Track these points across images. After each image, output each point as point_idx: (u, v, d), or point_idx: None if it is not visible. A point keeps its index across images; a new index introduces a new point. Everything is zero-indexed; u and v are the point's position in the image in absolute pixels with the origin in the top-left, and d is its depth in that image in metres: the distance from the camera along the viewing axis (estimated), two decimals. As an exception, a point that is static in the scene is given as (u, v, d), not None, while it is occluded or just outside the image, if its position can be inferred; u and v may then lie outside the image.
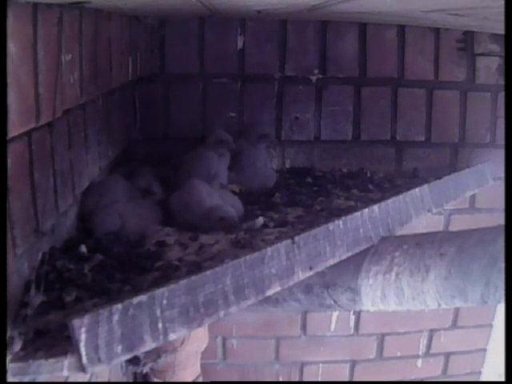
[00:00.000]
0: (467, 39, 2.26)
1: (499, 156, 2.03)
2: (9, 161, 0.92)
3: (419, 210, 1.71)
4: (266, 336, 2.46)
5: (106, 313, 0.89)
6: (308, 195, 1.84)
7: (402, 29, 2.23)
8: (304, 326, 2.46)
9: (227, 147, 1.87)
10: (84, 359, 0.86)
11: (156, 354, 1.88)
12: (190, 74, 2.17)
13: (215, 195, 1.58)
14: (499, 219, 1.37)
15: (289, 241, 1.27)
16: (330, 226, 1.39)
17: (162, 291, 1.00)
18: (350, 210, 1.55)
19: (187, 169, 1.77)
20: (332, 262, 1.38)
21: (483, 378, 2.66)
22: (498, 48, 2.26)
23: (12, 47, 0.90)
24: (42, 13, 1.04)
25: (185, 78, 2.17)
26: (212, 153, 1.81)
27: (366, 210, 1.51)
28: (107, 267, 1.21)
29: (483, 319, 2.56)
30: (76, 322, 0.86)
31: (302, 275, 1.29)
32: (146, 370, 1.93)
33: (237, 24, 2.16)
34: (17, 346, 0.88)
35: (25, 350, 0.88)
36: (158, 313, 0.98)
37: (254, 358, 2.48)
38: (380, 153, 2.30)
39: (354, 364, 2.56)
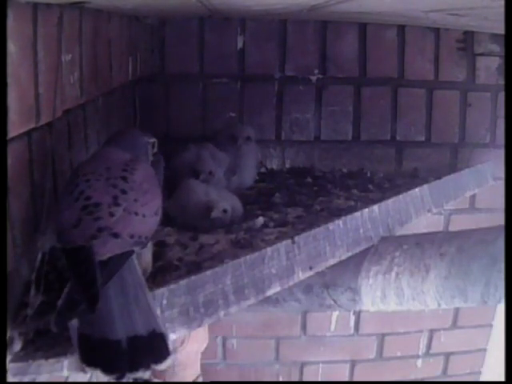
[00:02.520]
0: (467, 39, 2.26)
1: (499, 156, 2.03)
2: (9, 161, 0.92)
3: (419, 209, 1.72)
4: (265, 336, 2.46)
5: (105, 313, 0.89)
6: (308, 195, 1.84)
7: (402, 29, 2.23)
8: (304, 326, 2.46)
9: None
10: (84, 359, 0.86)
11: (156, 354, 1.88)
12: (189, 74, 2.17)
13: (213, 193, 1.57)
14: (499, 219, 1.36)
15: (289, 241, 1.27)
16: (330, 226, 1.39)
17: (162, 291, 1.00)
18: (350, 210, 1.55)
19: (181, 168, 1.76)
20: (332, 261, 1.38)
21: (483, 378, 2.66)
22: (497, 48, 2.26)
23: (12, 47, 0.90)
24: (42, 13, 1.04)
25: (185, 78, 2.17)
26: (205, 152, 1.80)
27: (366, 209, 1.51)
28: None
29: (483, 319, 2.56)
30: (76, 322, 0.86)
31: (301, 275, 1.29)
32: (145, 370, 1.92)
33: (237, 24, 2.16)
34: (17, 346, 0.88)
35: (25, 349, 0.88)
36: (158, 313, 0.98)
37: (253, 358, 2.48)
38: (380, 153, 2.30)
39: (354, 364, 2.56)
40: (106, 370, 0.85)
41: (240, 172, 1.88)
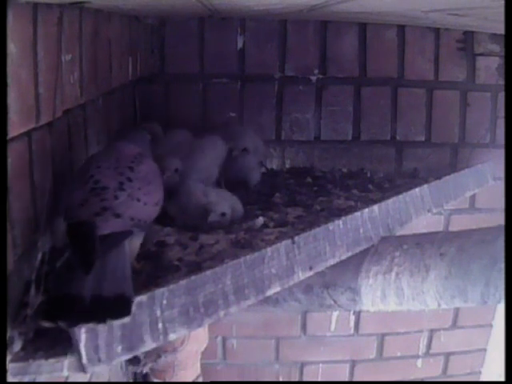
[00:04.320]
0: (467, 39, 2.26)
1: (499, 156, 2.03)
2: (9, 161, 0.92)
3: (419, 209, 1.71)
4: (266, 336, 2.46)
5: (106, 313, 0.89)
6: (308, 195, 1.84)
7: (402, 29, 2.23)
8: (304, 326, 2.46)
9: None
10: (84, 359, 0.87)
11: (156, 354, 1.88)
12: (189, 74, 2.17)
13: (212, 195, 1.57)
14: (499, 219, 1.36)
15: (289, 241, 1.27)
16: (330, 226, 1.39)
17: (162, 291, 1.00)
18: (350, 210, 1.55)
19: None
20: (332, 262, 1.38)
21: (483, 378, 2.66)
22: (498, 48, 2.26)
23: (12, 47, 0.90)
24: (42, 13, 1.04)
25: (185, 78, 2.17)
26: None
27: (366, 209, 1.51)
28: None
29: (483, 319, 2.56)
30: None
31: (301, 275, 1.29)
32: (145, 370, 1.93)
33: (237, 24, 2.16)
34: (17, 346, 0.88)
35: (25, 350, 0.88)
36: (158, 313, 0.98)
37: (254, 358, 2.48)
38: (380, 153, 2.30)
39: (354, 364, 2.56)
40: (60, 319, 0.87)
41: (240, 180, 1.86)
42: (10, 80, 0.89)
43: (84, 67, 1.33)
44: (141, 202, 1.11)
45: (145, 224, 1.12)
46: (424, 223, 2.14)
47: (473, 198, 2.36)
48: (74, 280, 0.92)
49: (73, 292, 0.90)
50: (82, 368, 0.86)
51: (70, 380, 1.24)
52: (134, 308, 0.92)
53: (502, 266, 1.26)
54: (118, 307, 0.91)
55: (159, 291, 0.99)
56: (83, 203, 1.05)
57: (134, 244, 1.16)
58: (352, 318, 2.47)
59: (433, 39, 2.25)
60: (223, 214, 1.50)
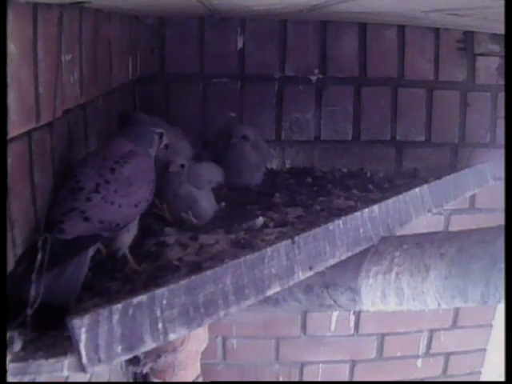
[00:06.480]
0: (467, 39, 2.26)
1: (499, 156, 2.03)
2: (9, 161, 0.92)
3: (419, 209, 1.71)
4: (266, 336, 2.46)
5: (106, 313, 0.90)
6: (308, 195, 1.84)
7: (402, 29, 2.23)
8: (304, 326, 2.46)
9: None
10: (84, 359, 0.87)
11: (156, 354, 1.88)
12: (190, 74, 2.17)
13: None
14: (499, 219, 1.36)
15: (289, 241, 1.27)
16: (330, 226, 1.39)
17: (162, 291, 1.00)
18: (350, 210, 1.55)
19: None
20: (332, 261, 1.38)
21: (483, 378, 2.66)
22: (498, 48, 2.26)
23: (12, 47, 0.90)
24: (42, 13, 1.04)
25: (185, 77, 2.17)
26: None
27: (366, 209, 1.51)
28: (107, 267, 1.21)
29: (483, 319, 2.56)
30: (76, 322, 0.86)
31: (301, 275, 1.29)
32: (145, 370, 1.93)
33: (237, 24, 2.16)
34: (17, 346, 0.88)
35: (25, 350, 0.88)
36: (158, 313, 0.98)
37: (253, 358, 2.48)
38: (380, 153, 2.30)
39: (353, 364, 2.56)
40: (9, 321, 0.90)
41: (241, 171, 1.87)
42: (10, 80, 0.89)
43: (84, 67, 1.33)
44: (115, 204, 1.11)
45: (117, 227, 1.13)
46: (424, 223, 2.14)
47: (473, 198, 2.36)
48: (33, 282, 0.94)
49: (26, 295, 0.93)
50: (82, 368, 0.86)
51: (70, 380, 1.24)
52: (131, 310, 0.93)
53: (502, 265, 1.26)
54: (57, 319, 0.92)
55: (159, 291, 0.99)
56: (60, 202, 1.08)
57: (122, 240, 1.20)
58: (352, 318, 2.47)
59: (433, 39, 2.25)
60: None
